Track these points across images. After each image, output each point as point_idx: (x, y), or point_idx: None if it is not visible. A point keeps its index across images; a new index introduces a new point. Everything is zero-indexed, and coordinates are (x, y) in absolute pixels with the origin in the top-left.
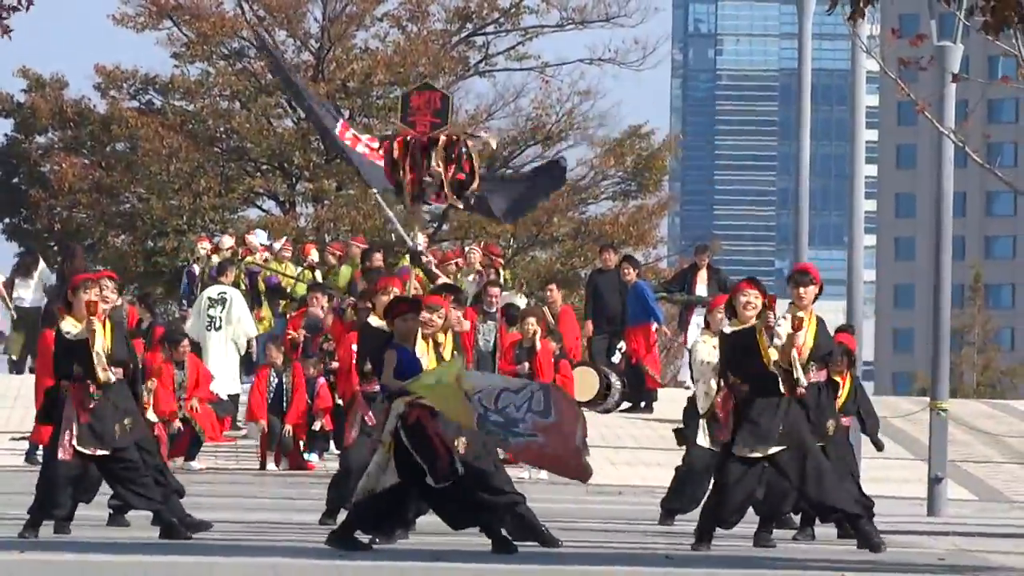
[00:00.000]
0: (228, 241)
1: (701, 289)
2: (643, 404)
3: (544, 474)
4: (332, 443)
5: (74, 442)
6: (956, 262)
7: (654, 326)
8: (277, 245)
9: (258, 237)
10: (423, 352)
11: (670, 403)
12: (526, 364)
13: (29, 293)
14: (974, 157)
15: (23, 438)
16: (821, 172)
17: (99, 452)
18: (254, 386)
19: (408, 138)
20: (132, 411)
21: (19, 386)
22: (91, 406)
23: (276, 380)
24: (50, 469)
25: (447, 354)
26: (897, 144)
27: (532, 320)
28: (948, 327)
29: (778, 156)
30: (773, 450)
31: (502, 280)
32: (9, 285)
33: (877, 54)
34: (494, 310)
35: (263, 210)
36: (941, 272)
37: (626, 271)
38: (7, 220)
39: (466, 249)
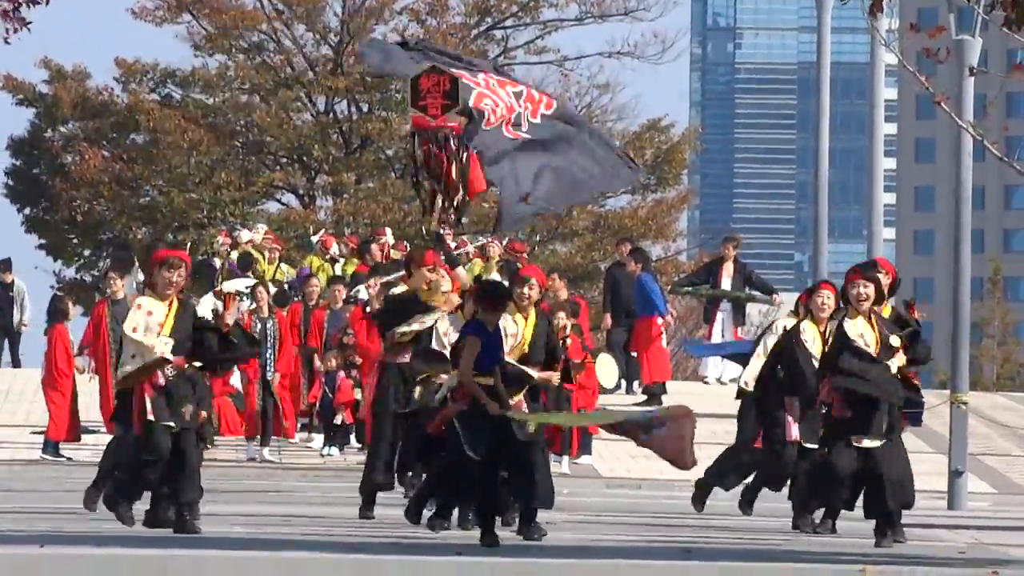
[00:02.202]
0: (247, 235)
1: (726, 283)
2: (647, 398)
3: (565, 467)
4: (353, 437)
5: (148, 415)
6: (975, 255)
7: (659, 319)
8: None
9: (244, 233)
10: (518, 325)
11: (680, 397)
12: None
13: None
14: (993, 151)
15: (40, 432)
16: (840, 165)
17: (172, 424)
18: None
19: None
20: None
21: (26, 379)
22: (162, 382)
23: (259, 326)
24: (124, 449)
25: (530, 329)
26: (916, 138)
27: (562, 315)
28: (967, 320)
29: (797, 149)
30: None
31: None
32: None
33: (896, 47)
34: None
35: (282, 203)
36: (960, 265)
37: (630, 264)
38: (27, 211)
39: (485, 242)
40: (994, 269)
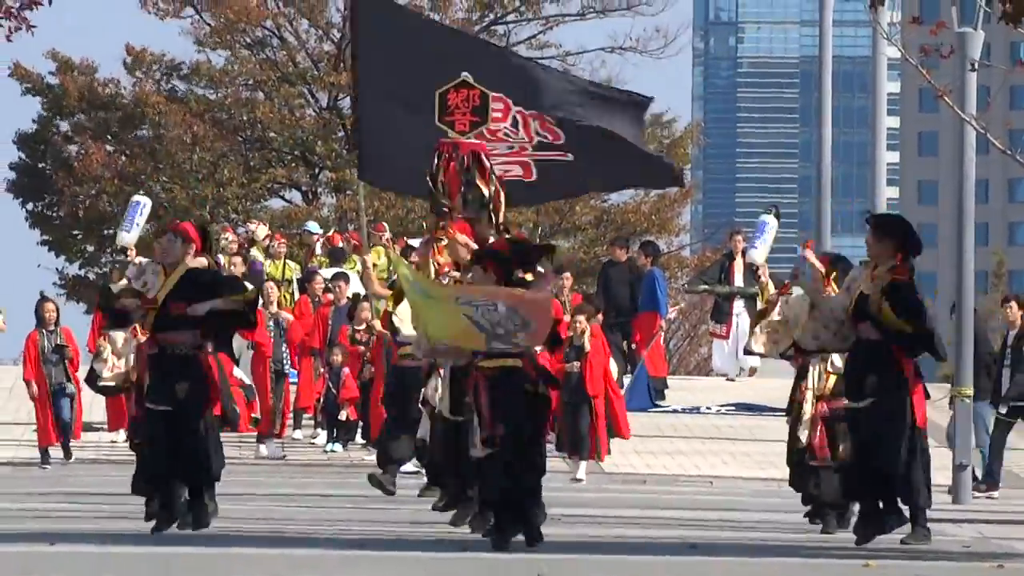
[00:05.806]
0: (263, 231)
1: (739, 279)
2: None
3: (581, 471)
4: (359, 433)
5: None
6: (979, 249)
7: (660, 319)
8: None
9: (261, 229)
10: None
11: (685, 392)
12: (576, 364)
13: None
14: (996, 144)
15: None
16: (843, 159)
17: (161, 407)
18: None
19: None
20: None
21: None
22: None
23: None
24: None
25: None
26: (919, 131)
27: (582, 318)
28: (971, 313)
29: (800, 144)
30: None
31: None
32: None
33: (898, 41)
34: (564, 298)
35: (286, 200)
36: (964, 259)
37: (641, 258)
38: (31, 206)
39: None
40: (998, 262)
